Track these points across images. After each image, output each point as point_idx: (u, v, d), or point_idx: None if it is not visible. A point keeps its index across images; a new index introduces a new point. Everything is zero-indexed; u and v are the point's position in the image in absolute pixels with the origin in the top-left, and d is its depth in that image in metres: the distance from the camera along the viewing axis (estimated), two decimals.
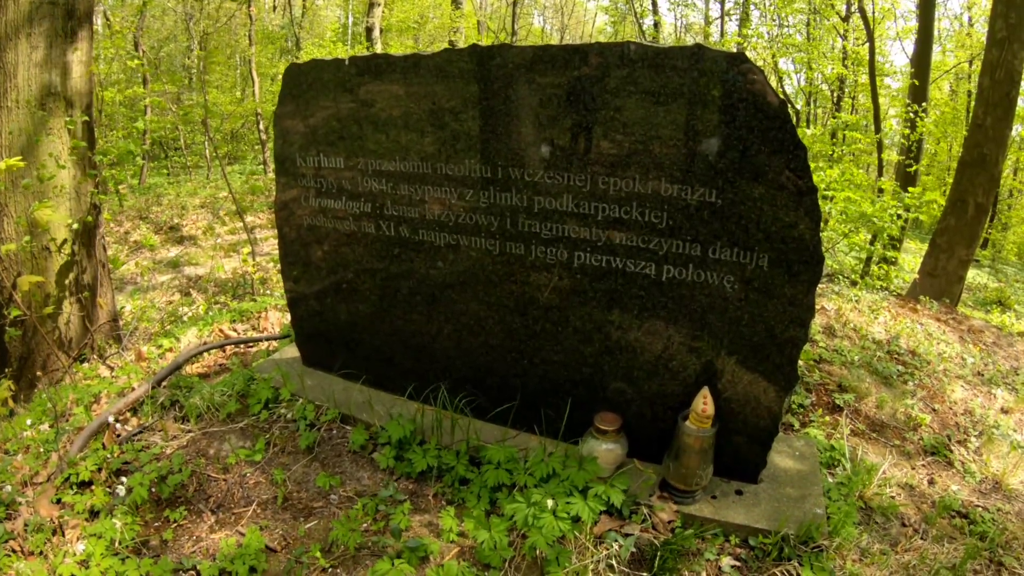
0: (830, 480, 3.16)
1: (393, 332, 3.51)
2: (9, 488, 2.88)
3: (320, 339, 3.83)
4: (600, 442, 2.82)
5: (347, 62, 3.13)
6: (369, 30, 19.64)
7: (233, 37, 23.42)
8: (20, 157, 4.49)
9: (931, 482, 3.52)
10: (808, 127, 22.98)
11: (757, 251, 2.51)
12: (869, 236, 10.47)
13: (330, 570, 2.48)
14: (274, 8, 30.71)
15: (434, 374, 3.43)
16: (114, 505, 2.78)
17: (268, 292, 7.60)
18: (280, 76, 20.81)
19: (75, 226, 4.91)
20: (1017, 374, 5.64)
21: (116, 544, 2.56)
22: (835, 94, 22.18)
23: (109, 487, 2.92)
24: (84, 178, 5.02)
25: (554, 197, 2.80)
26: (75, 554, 2.50)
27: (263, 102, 17.73)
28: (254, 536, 2.54)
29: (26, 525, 2.69)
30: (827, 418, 3.90)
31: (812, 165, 9.36)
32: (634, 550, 2.57)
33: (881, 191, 13.32)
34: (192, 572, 2.47)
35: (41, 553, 2.56)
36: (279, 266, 4.15)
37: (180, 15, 23.21)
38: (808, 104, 25.51)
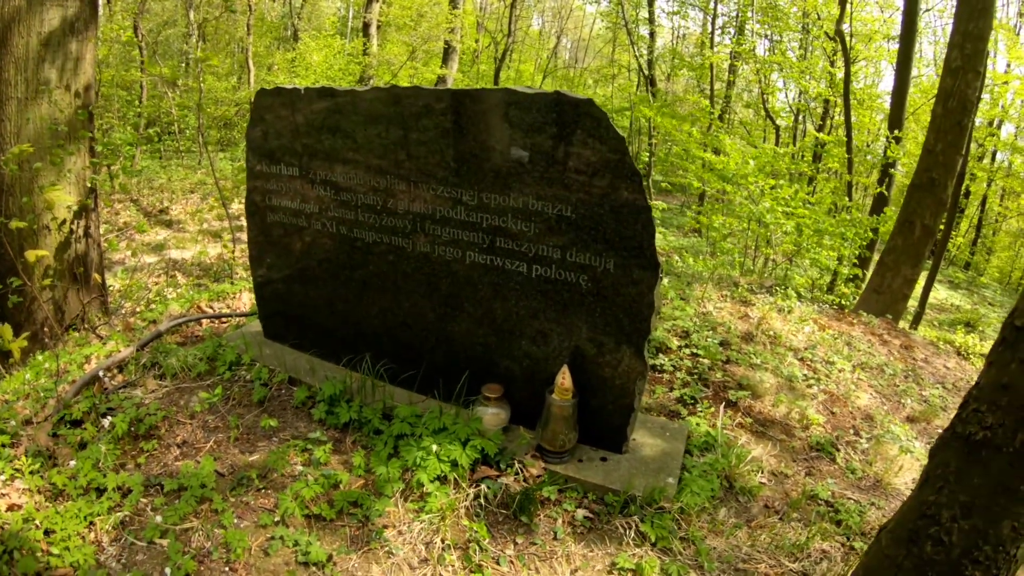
0: (698, 460, 3.65)
1: (336, 313, 4.19)
2: (13, 423, 3.50)
3: (279, 317, 4.50)
4: (486, 407, 3.51)
5: (303, 91, 3.81)
6: (367, 25, 20.02)
7: (232, 24, 23.68)
8: (29, 144, 5.03)
9: (808, 474, 3.91)
10: (794, 142, 23.47)
11: (604, 256, 3.16)
12: (835, 255, 10.76)
13: (263, 490, 3.18)
14: None
15: (365, 347, 4.10)
16: (99, 437, 3.45)
17: (246, 278, 8.07)
18: (276, 66, 21.14)
19: (75, 208, 5.47)
20: (936, 387, 6.01)
21: (100, 464, 3.23)
22: (823, 111, 22.54)
23: (96, 425, 3.57)
24: (86, 165, 5.58)
25: (450, 207, 3.49)
26: (67, 469, 3.16)
27: (257, 91, 18.07)
28: (208, 463, 3.23)
29: (27, 451, 3.31)
30: (714, 410, 4.30)
31: (772, 182, 9.78)
32: (503, 494, 3.20)
33: (847, 209, 13.84)
34: (158, 486, 3.15)
35: (37, 473, 3.18)
36: None
37: (180, 0, 23.53)
38: (796, 120, 25.84)
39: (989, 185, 23.16)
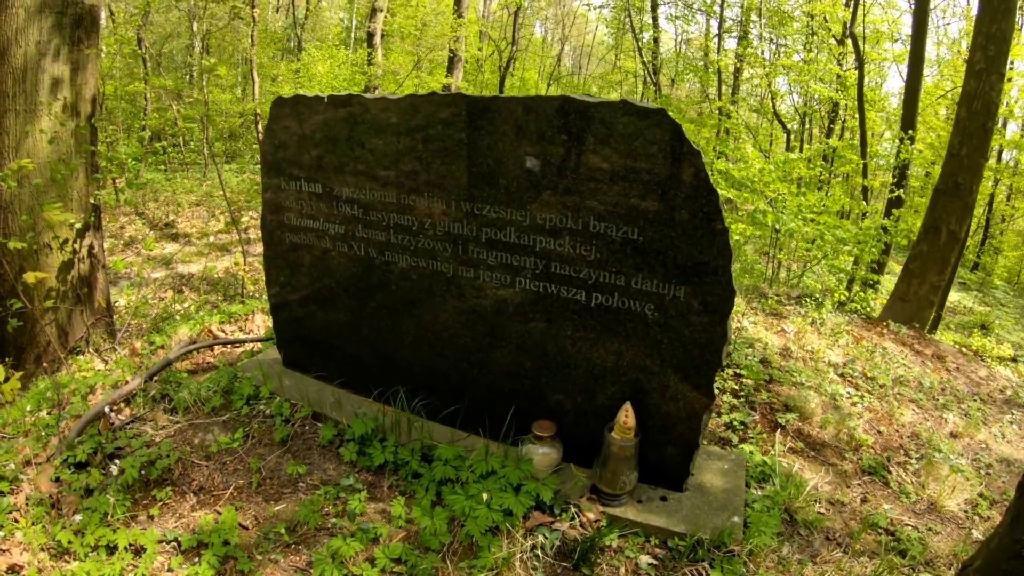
0: (757, 493, 3.42)
1: (363, 340, 3.86)
2: (12, 466, 3.20)
3: (299, 343, 4.17)
4: (537, 446, 3.18)
5: (326, 99, 3.49)
6: (371, 35, 19.93)
7: (236, 36, 23.72)
8: (29, 159, 4.80)
9: (864, 500, 3.75)
10: (801, 146, 23.30)
11: (674, 283, 2.84)
12: (851, 260, 10.61)
13: (293, 546, 2.85)
14: (277, 9, 30.99)
15: (397, 379, 3.78)
16: (107, 484, 3.14)
17: (257, 295, 7.89)
18: (280, 77, 21.02)
19: (77, 225, 5.23)
20: (974, 399, 5.87)
21: (109, 517, 2.92)
22: (829, 115, 22.40)
23: (103, 469, 3.26)
24: (88, 181, 5.34)
25: (499, 229, 3.16)
26: (72, 523, 2.85)
27: (262, 102, 18.02)
28: (230, 515, 2.90)
29: (27, 499, 3.02)
30: (765, 435, 4.12)
31: (792, 189, 9.63)
32: (560, 543, 2.90)
33: (864, 215, 13.62)
34: (174, 543, 2.83)
35: (41, 524, 2.88)
36: None
37: (184, 12, 23.50)
38: (803, 124, 25.71)
39: (996, 184, 22.93)
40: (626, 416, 2.99)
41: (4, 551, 2.70)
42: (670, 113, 2.70)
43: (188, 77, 23.81)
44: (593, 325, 3.11)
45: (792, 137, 24.58)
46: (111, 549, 2.77)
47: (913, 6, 11.66)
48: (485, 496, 2.91)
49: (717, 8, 24.08)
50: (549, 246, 3.06)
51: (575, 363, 3.22)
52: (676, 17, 26.59)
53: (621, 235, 2.89)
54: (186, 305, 7.87)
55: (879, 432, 4.58)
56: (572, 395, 3.28)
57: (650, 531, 3.03)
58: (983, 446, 4.93)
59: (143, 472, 3.22)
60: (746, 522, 3.11)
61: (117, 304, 7.33)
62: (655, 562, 2.90)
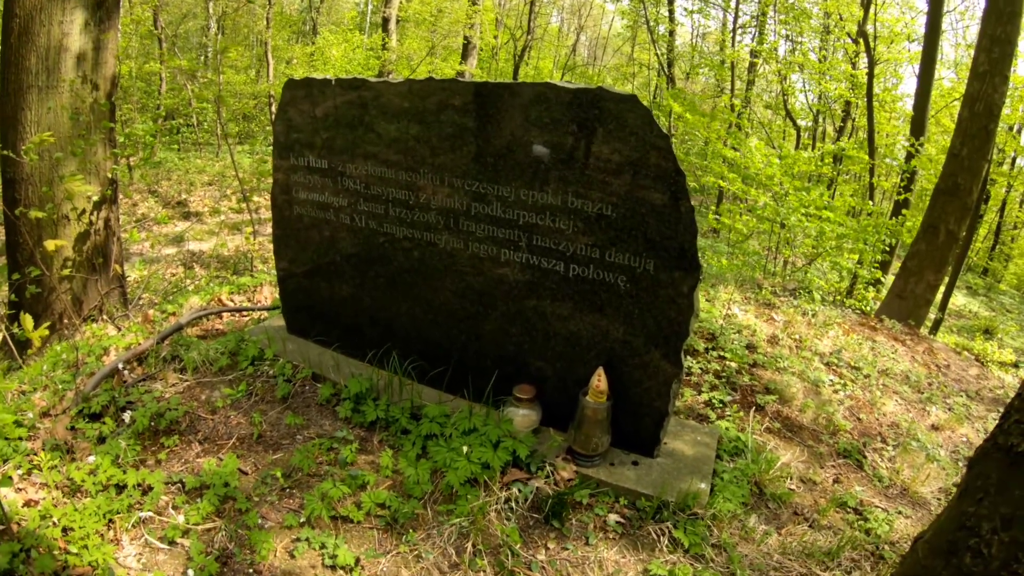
0: (728, 465, 3.58)
1: (363, 310, 4.09)
2: (31, 415, 3.43)
3: (303, 312, 4.40)
4: (517, 408, 3.42)
5: (333, 81, 3.71)
6: (386, 20, 20.04)
7: (252, 18, 23.84)
8: (50, 133, 5.02)
9: (836, 481, 3.86)
10: (813, 144, 23.26)
11: (645, 256, 3.05)
12: (855, 257, 10.63)
13: (288, 489, 3.09)
14: None
15: (392, 344, 4.00)
16: (119, 432, 3.38)
17: (266, 272, 8.09)
18: (295, 60, 21.21)
19: (95, 197, 5.45)
20: (960, 395, 5.90)
21: (119, 460, 3.16)
22: (843, 113, 22.34)
23: (116, 419, 3.50)
24: (107, 155, 5.56)
25: (486, 204, 3.38)
26: (86, 465, 3.08)
27: (276, 84, 18.20)
28: (231, 461, 3.14)
29: (44, 444, 3.24)
30: (743, 415, 4.26)
31: (797, 184, 9.72)
32: (534, 497, 3.12)
33: (870, 215, 13.67)
34: (179, 484, 3.08)
35: (55, 467, 3.10)
36: None
37: None
38: (816, 121, 25.63)
39: (1009, 191, 22.81)
40: (599, 380, 3.20)
41: (21, 489, 2.93)
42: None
43: (203, 58, 23.99)
44: (571, 295, 3.32)
45: (806, 134, 24.50)
46: (120, 488, 2.99)
47: (928, 6, 11.61)
48: (465, 449, 3.14)
49: (733, 2, 24.03)
50: (532, 220, 3.28)
51: (555, 332, 3.44)
52: (693, 11, 26.54)
53: (596, 211, 3.10)
54: (197, 280, 8.06)
55: (859, 419, 4.67)
56: (552, 362, 3.50)
57: (620, 492, 3.24)
58: (964, 439, 5.00)
59: (153, 422, 3.45)
60: (713, 489, 3.30)
61: (129, 278, 7.52)
62: (622, 520, 3.10)
